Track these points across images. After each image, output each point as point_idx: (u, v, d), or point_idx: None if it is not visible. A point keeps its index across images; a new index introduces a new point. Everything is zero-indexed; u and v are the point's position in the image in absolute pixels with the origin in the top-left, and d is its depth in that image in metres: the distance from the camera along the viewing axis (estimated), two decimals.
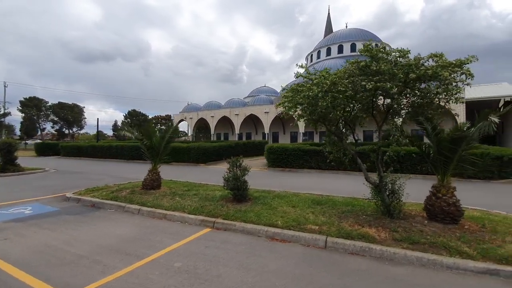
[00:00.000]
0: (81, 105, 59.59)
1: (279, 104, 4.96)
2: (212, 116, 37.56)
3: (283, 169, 15.30)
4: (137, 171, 14.09)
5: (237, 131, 35.85)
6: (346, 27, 45.83)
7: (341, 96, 4.19)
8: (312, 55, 44.65)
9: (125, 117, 63.07)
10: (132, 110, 63.13)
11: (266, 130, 32.78)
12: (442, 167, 5.12)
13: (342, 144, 5.80)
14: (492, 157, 10.95)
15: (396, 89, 4.00)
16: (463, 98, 4.74)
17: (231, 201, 6.85)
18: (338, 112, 4.51)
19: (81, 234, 5.06)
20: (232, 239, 4.81)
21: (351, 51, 38.51)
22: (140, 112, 63.28)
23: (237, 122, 35.04)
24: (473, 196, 8.27)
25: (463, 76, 4.24)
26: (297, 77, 5.15)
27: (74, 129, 61.78)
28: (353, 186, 9.22)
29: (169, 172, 14.09)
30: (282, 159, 15.38)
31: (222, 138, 41.52)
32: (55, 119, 60.45)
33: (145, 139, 8.31)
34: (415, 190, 5.92)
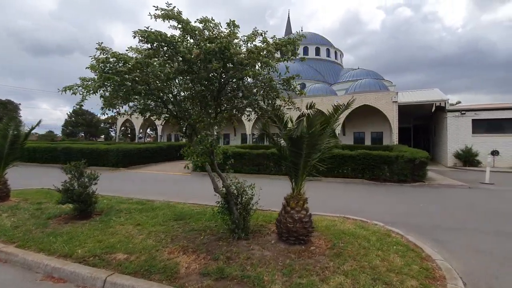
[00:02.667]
0: (30, 101, 52.87)
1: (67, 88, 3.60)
2: None
3: (206, 173, 14.01)
4: (45, 176, 11.54)
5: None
6: (301, 30, 46.20)
7: (118, 79, 3.00)
8: None
9: (69, 116, 57.39)
10: (77, 108, 57.52)
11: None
12: (294, 174, 4.19)
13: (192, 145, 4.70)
14: (405, 160, 10.72)
15: (174, 73, 2.90)
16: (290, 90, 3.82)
17: (71, 218, 5.41)
18: (120, 100, 3.35)
19: None
20: None
21: (303, 54, 38.68)
22: (87, 111, 57.92)
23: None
24: (375, 202, 7.69)
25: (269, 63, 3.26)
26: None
27: None
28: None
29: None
30: None
31: (173, 140, 39.31)
32: None
33: None
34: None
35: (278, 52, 3.46)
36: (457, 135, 18.56)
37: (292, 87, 3.84)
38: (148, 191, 9.07)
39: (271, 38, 3.48)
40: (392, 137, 20.28)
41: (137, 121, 37.55)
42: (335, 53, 41.28)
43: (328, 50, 40.11)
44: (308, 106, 3.50)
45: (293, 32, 54.02)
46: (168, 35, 3.02)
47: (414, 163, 10.62)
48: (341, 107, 3.83)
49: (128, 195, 8.14)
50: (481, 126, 18.40)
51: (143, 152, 16.67)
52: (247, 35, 3.27)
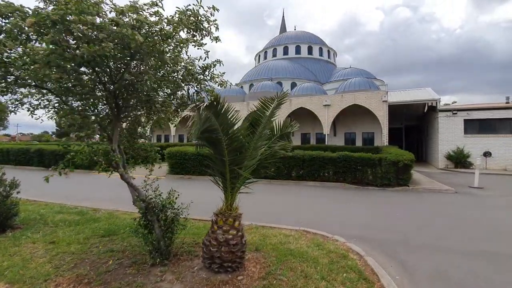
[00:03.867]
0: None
1: None
2: None
3: (182, 177, 13.28)
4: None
5: (173, 132, 33.19)
6: (295, 29, 45.49)
7: None
8: (260, 55, 43.39)
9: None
10: None
11: None
12: (222, 185, 3.43)
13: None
14: (388, 163, 9.99)
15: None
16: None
17: None
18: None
19: None
20: None
21: (295, 53, 37.92)
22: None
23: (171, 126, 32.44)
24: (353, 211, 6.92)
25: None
26: None
27: None
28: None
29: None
30: (181, 165, 13.41)
31: (162, 141, 38.46)
32: None
33: None
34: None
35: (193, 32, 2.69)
36: (448, 135, 17.88)
37: (211, 76, 3.09)
38: (104, 197, 8.33)
39: (179, 12, 2.70)
40: (382, 138, 19.57)
41: None
42: (328, 52, 40.53)
43: (320, 49, 39.36)
44: (213, 98, 2.66)
45: (287, 31, 53.34)
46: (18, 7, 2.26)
47: (397, 166, 9.90)
48: (269, 102, 3.07)
49: (80, 202, 7.44)
50: (474, 127, 17.72)
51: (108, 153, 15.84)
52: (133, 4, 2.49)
